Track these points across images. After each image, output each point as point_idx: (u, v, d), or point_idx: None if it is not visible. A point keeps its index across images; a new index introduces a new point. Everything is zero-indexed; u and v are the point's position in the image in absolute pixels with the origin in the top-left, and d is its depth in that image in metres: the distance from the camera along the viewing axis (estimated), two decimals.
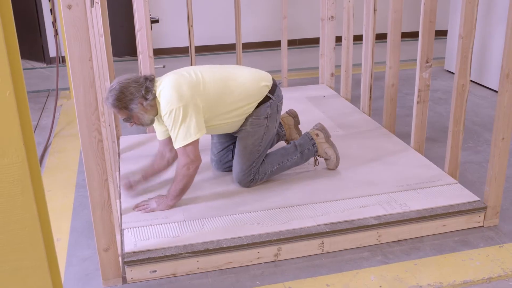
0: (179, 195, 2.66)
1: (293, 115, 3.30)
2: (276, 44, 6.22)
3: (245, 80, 2.74)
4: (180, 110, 2.52)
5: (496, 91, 4.57)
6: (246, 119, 2.78)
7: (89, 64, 1.93)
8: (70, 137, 4.00)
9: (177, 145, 2.56)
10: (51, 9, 5.46)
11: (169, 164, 2.87)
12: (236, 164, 2.84)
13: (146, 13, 3.20)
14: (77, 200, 3.07)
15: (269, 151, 2.95)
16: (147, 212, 2.62)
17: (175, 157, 2.82)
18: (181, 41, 6.25)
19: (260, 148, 2.82)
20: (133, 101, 2.52)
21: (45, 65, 6.18)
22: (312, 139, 3.00)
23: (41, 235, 1.50)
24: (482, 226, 2.72)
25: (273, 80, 2.87)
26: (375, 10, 3.70)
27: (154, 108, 2.59)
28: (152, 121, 2.64)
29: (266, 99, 2.78)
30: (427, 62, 3.08)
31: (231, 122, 2.76)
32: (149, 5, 3.25)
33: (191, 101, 2.55)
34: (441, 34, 5.86)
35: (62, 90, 5.04)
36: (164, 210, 2.64)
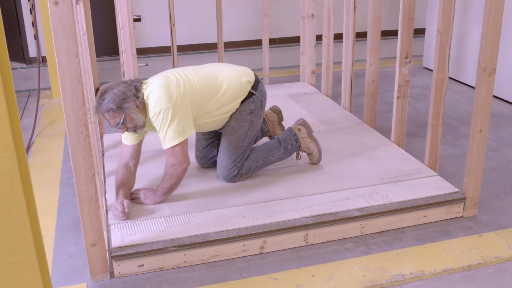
0: (166, 193, 2.68)
1: (276, 111, 3.34)
2: (256, 43, 6.26)
3: (229, 78, 2.77)
4: (169, 110, 2.53)
5: (473, 87, 4.67)
6: (231, 115, 2.81)
7: (76, 60, 1.95)
8: (53, 136, 3.99)
9: (165, 146, 2.58)
10: (30, 9, 5.42)
11: (135, 172, 2.77)
12: (220, 160, 2.87)
13: (129, 11, 3.20)
14: (61, 198, 3.07)
15: (253, 146, 2.98)
16: (134, 202, 2.65)
17: (136, 166, 2.77)
18: (163, 40, 6.25)
19: (245, 144, 2.85)
20: (127, 100, 2.50)
21: (25, 65, 6.13)
22: (295, 134, 3.04)
23: (30, 229, 1.51)
24: (462, 216, 2.79)
25: (255, 75, 2.90)
26: (355, 8, 3.76)
27: (145, 109, 2.59)
28: (144, 124, 2.61)
29: (249, 94, 2.82)
30: (406, 58, 3.14)
31: (216, 120, 2.79)
32: (131, 3, 3.26)
33: (180, 102, 2.57)
34: (419, 32, 5.96)
35: (43, 90, 5.01)
36: (151, 205, 2.66)
